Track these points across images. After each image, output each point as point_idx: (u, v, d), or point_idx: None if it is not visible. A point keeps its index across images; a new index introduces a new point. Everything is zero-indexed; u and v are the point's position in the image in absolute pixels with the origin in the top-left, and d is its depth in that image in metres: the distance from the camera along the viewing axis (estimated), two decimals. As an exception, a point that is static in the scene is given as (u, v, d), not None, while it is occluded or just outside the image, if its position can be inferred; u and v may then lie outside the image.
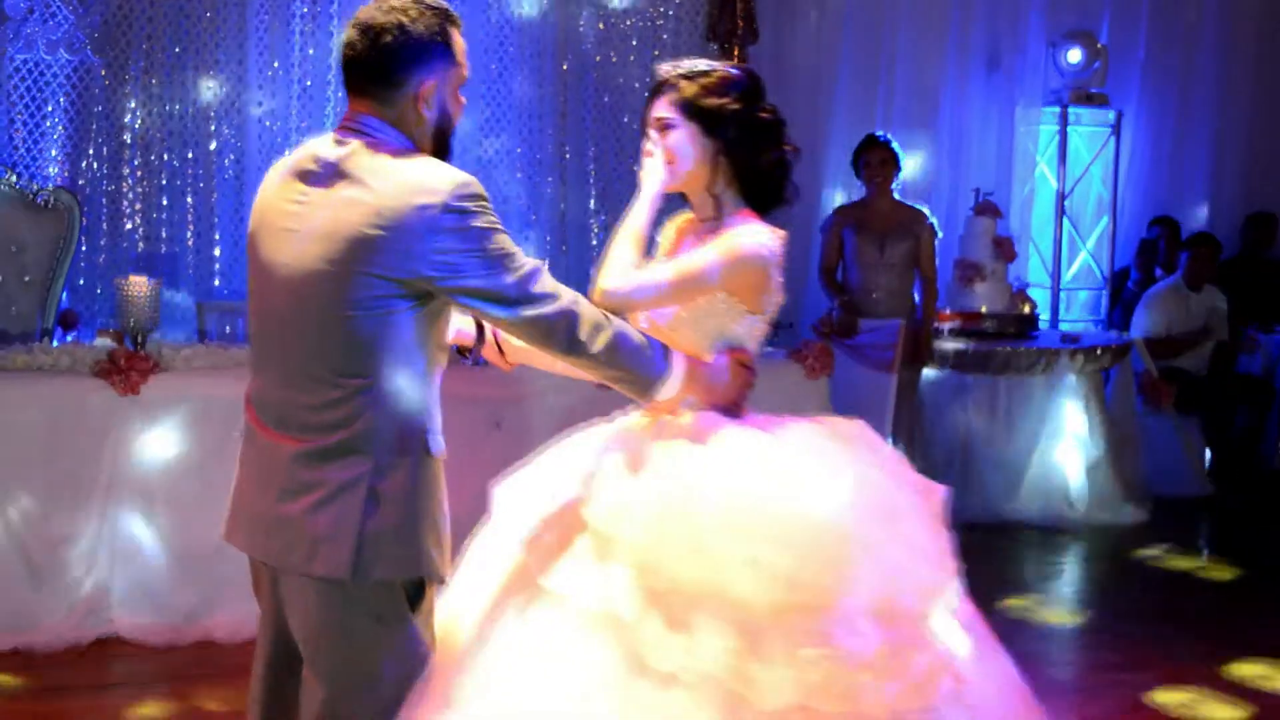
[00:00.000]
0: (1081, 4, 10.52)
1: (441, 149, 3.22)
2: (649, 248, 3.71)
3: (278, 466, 3.13)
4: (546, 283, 3.12)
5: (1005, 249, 9.26)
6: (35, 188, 7.47)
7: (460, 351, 3.63)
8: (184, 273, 8.05)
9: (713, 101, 3.53)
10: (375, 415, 3.04)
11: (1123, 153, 10.66)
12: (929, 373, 8.44)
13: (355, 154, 3.09)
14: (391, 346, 3.04)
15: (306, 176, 3.13)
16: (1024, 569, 7.98)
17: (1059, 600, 7.44)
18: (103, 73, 7.92)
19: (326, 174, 3.09)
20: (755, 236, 3.49)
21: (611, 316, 3.24)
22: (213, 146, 8.12)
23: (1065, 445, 8.72)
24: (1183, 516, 9.01)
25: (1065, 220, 10.42)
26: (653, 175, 3.57)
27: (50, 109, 7.82)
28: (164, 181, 8.07)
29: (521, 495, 3.49)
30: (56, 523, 5.92)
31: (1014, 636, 6.51)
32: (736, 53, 8.94)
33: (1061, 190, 10.37)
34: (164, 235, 8.09)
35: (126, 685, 5.62)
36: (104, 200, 7.98)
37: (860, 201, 8.23)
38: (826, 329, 7.89)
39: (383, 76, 3.13)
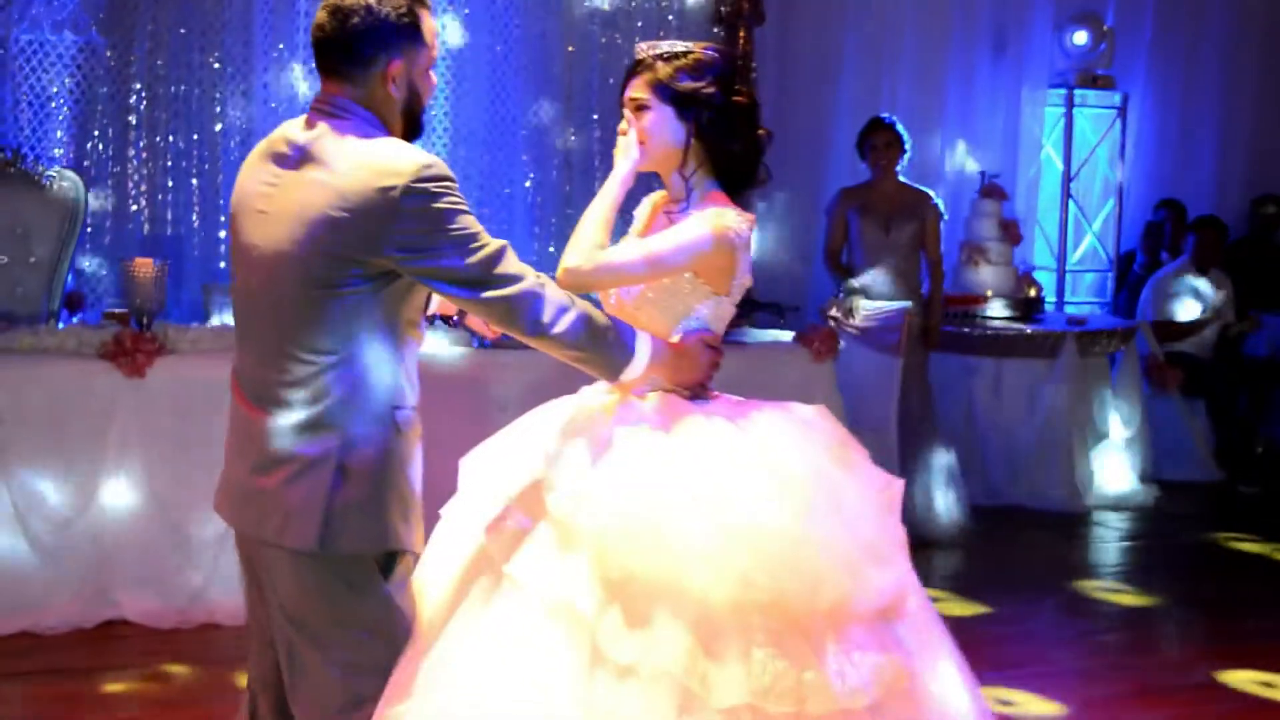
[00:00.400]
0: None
1: (412, 128, 3.31)
2: (625, 224, 3.77)
3: (254, 440, 3.21)
4: (510, 264, 3.17)
5: (1011, 231, 9.26)
6: (41, 169, 7.44)
7: (444, 319, 3.68)
8: (189, 255, 8.03)
9: (687, 84, 3.55)
10: (343, 391, 3.12)
11: (1129, 135, 10.65)
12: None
13: (323, 136, 3.16)
14: (358, 324, 3.12)
15: (278, 159, 3.21)
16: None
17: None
18: (108, 53, 7.88)
19: (296, 156, 3.17)
20: (723, 219, 3.50)
21: (576, 299, 3.28)
22: (218, 128, 8.09)
23: (1071, 429, 8.70)
24: (1194, 500, 9.04)
25: (1071, 203, 10.41)
26: (625, 155, 3.60)
27: (55, 90, 7.79)
28: (169, 163, 8.03)
29: (486, 472, 3.53)
30: (62, 505, 5.93)
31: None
32: (743, 35, 8.91)
33: (1067, 173, 10.36)
34: (169, 217, 8.06)
35: (132, 668, 5.63)
36: (109, 182, 7.95)
37: (865, 184, 8.20)
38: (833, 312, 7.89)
39: (351, 57, 3.21)
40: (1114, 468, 8.85)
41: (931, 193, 8.23)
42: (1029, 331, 8.80)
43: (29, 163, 7.43)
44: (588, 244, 3.46)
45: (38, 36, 7.71)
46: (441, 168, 3.11)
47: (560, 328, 3.21)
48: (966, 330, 8.72)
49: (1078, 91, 10.31)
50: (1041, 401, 8.74)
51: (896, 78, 9.84)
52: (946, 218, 8.36)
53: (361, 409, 3.13)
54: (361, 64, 3.20)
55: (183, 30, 8.01)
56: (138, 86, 7.95)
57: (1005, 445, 8.79)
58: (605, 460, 3.30)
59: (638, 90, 3.59)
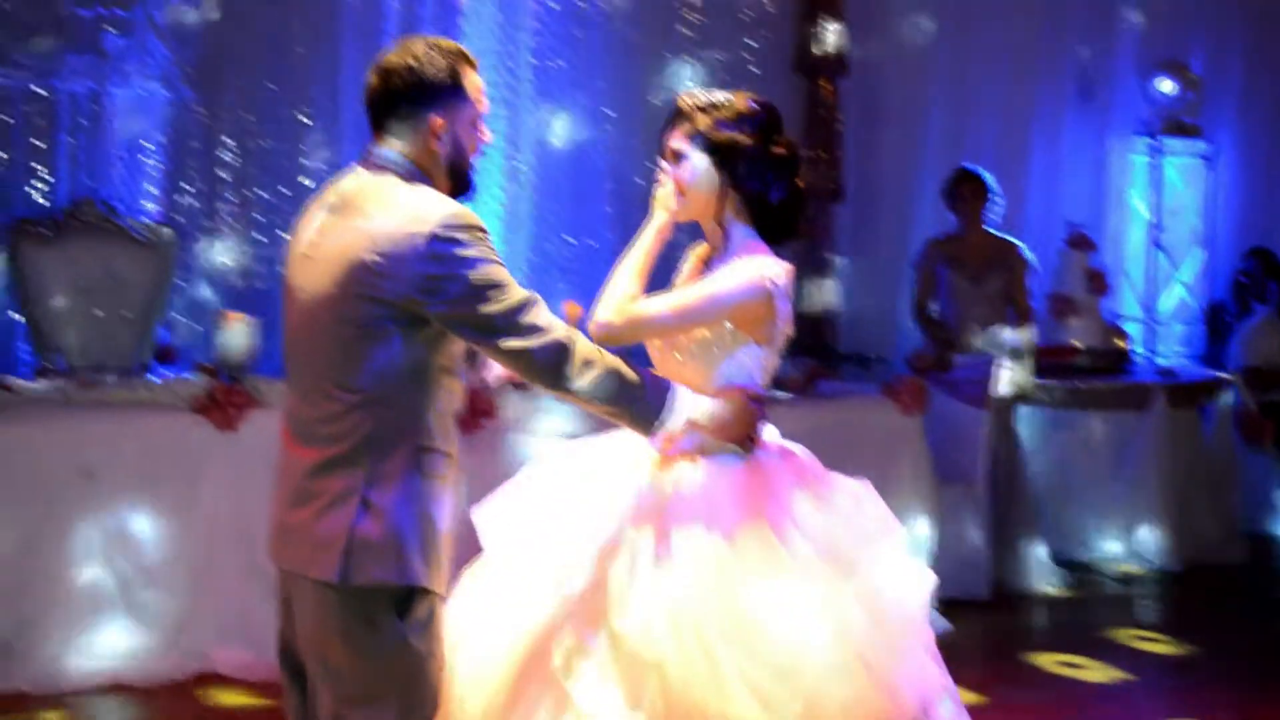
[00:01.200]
0: (1175, 34, 10.39)
1: (459, 182, 3.42)
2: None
3: (293, 476, 3.31)
4: (537, 316, 3.25)
5: (1098, 282, 9.17)
6: (134, 223, 7.54)
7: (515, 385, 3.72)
8: (277, 308, 8.06)
9: (725, 135, 3.57)
10: (371, 429, 3.20)
11: (1217, 184, 10.55)
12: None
13: (367, 186, 3.30)
14: (388, 366, 3.20)
15: (329, 208, 3.34)
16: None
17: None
18: (198, 108, 7.97)
19: (342, 205, 3.30)
20: (758, 269, 3.52)
21: (605, 353, 3.33)
22: (306, 182, 8.15)
23: (1161, 483, 8.58)
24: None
25: (1159, 252, 10.31)
26: (663, 206, 3.65)
27: (148, 145, 7.88)
28: (258, 216, 8.12)
29: (534, 528, 3.56)
30: (155, 558, 5.98)
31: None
32: (826, 86, 8.92)
33: (1155, 222, 10.26)
34: (258, 270, 8.13)
35: (224, 720, 5.66)
36: (199, 235, 8.03)
37: (953, 234, 8.16)
38: (921, 364, 7.83)
39: (395, 114, 3.36)
40: (1205, 522, 8.71)
41: (1020, 243, 8.17)
42: (1118, 383, 8.71)
43: (122, 216, 7.53)
44: (620, 296, 3.52)
45: (130, 91, 7.81)
46: (471, 218, 3.22)
47: (583, 382, 3.27)
48: (1054, 382, 8.63)
49: (1165, 140, 10.22)
50: (1131, 455, 8.63)
51: (981, 127, 9.77)
52: (1036, 267, 8.29)
53: (387, 447, 3.20)
54: (404, 120, 3.34)
55: (271, 85, 8.09)
56: (227, 140, 8.04)
57: (1095, 499, 8.69)
58: (665, 570, 3.30)
59: (676, 140, 3.61)
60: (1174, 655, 6.85)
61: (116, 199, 7.70)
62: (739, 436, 3.50)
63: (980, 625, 7.08)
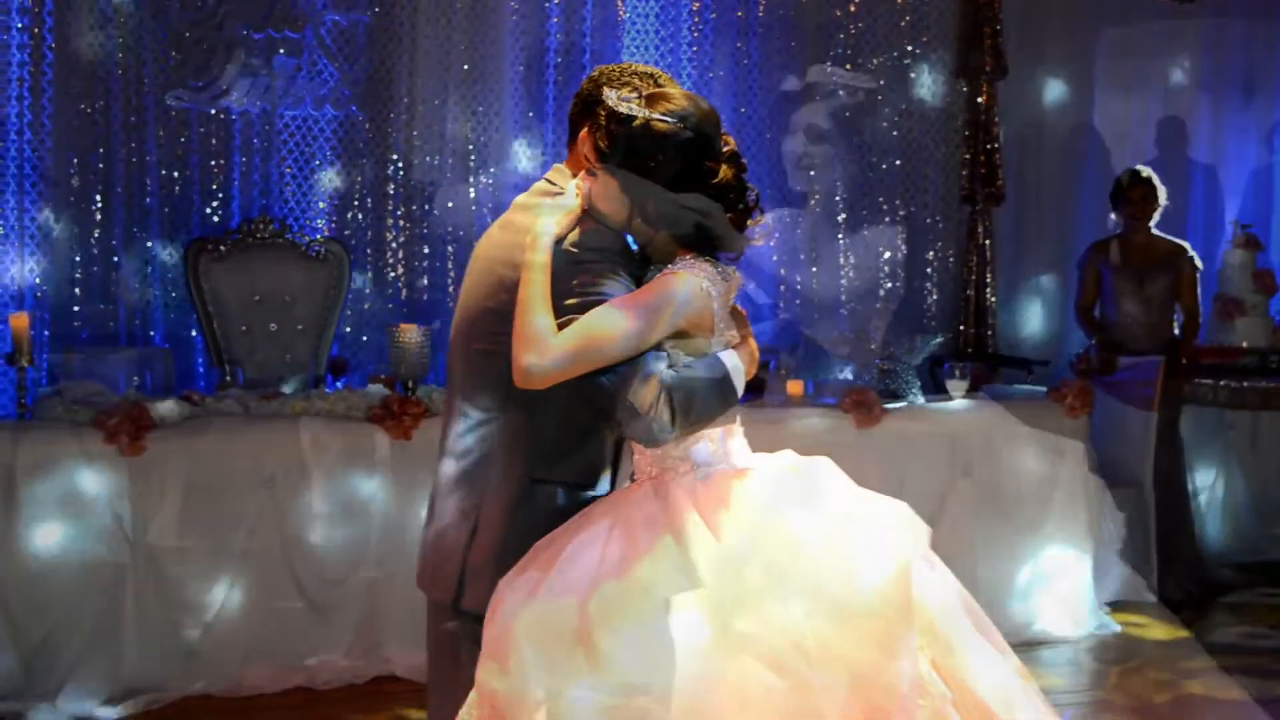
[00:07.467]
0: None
1: None
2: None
3: (432, 491, 3.35)
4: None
5: (1265, 282, 9.02)
6: (306, 239, 7.74)
7: None
8: (445, 319, 8.22)
9: (637, 162, 3.09)
10: (494, 449, 3.18)
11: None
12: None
13: (528, 198, 3.31)
14: (511, 387, 3.06)
15: (500, 221, 3.37)
16: None
17: None
18: (366, 126, 8.15)
19: (508, 218, 3.32)
20: (693, 279, 3.08)
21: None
22: (472, 195, 8.29)
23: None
24: None
25: (1328, 251, 10.11)
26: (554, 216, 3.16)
27: (318, 163, 8.07)
28: (425, 230, 8.27)
29: None
30: (335, 562, 6.11)
31: None
32: (985, 89, 8.87)
33: (1324, 220, 10.07)
34: (425, 283, 8.28)
35: (402, 723, 5.77)
36: (368, 250, 8.20)
37: (1118, 236, 8.07)
38: (1085, 367, 7.77)
39: (570, 134, 3.38)
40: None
41: (1187, 245, 8.07)
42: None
43: (295, 233, 7.73)
44: (543, 332, 2.98)
45: (301, 113, 8.02)
46: (609, 241, 3.14)
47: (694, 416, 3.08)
48: (1221, 383, 8.50)
49: (1333, 136, 10.03)
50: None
51: (1144, 124, 9.67)
52: (1201, 268, 8.19)
53: (501, 471, 3.18)
54: (570, 139, 3.38)
55: (437, 102, 8.24)
56: (394, 157, 8.20)
57: (1260, 500, 8.57)
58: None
59: (587, 147, 3.19)
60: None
61: (289, 216, 7.91)
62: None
63: (1148, 626, 7.03)
